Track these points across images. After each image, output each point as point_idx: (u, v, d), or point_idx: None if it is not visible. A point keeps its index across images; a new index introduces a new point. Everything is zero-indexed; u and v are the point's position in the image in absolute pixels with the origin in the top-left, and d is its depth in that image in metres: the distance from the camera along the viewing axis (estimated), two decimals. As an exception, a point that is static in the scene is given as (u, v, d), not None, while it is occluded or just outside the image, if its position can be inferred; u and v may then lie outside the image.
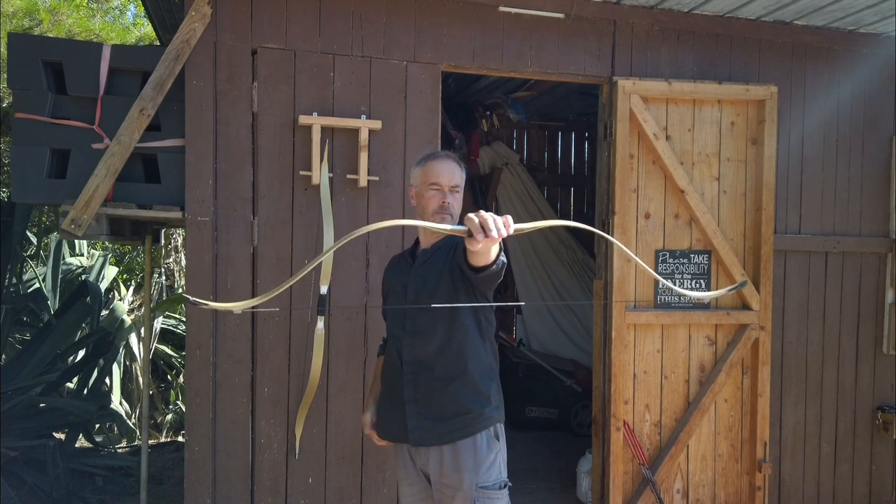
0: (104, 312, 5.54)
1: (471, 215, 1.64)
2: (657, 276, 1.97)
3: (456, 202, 2.20)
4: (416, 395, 2.16)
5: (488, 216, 1.62)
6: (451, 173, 2.19)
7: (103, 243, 6.79)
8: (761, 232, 3.60)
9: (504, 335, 5.94)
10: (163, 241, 5.60)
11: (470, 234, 1.61)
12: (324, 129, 3.11)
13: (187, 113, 3.01)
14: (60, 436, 4.65)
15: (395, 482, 3.21)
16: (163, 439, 5.74)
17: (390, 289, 2.36)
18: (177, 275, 7.58)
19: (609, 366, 3.54)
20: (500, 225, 1.62)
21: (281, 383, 3.13)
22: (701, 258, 3.61)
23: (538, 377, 5.57)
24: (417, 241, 2.34)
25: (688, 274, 3.60)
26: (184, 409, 5.00)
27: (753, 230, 3.64)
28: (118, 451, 5.18)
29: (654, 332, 3.58)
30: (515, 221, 1.66)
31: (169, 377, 6.34)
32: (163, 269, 7.44)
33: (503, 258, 1.95)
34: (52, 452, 3.96)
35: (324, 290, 3.02)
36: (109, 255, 6.65)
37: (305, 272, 1.48)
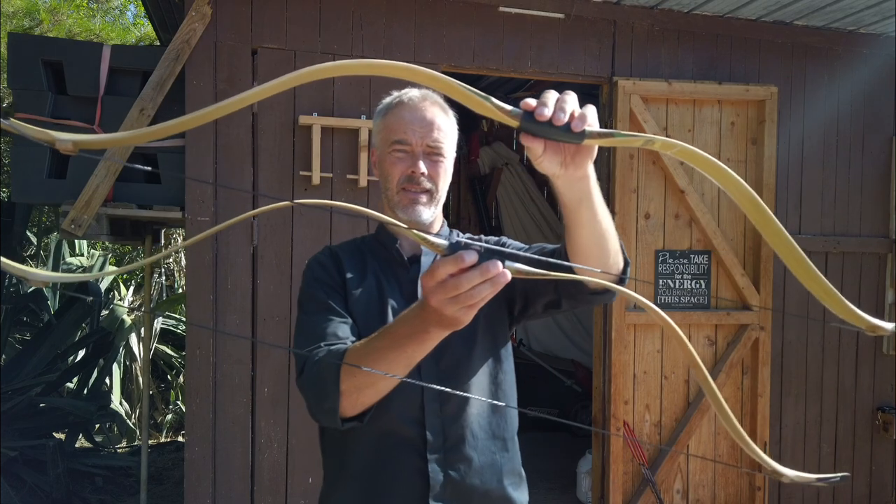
0: (104, 312, 5.54)
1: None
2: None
3: (438, 172, 1.33)
4: None
5: None
6: (427, 123, 1.32)
7: (103, 243, 6.79)
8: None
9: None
10: (163, 241, 5.60)
11: (452, 250, 0.81)
12: (324, 130, 3.11)
13: (187, 113, 3.01)
14: (60, 436, 4.65)
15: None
16: (163, 439, 5.74)
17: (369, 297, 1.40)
18: (177, 275, 7.59)
19: (609, 366, 3.54)
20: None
21: (281, 383, 3.13)
22: (701, 258, 3.61)
23: (538, 377, 5.56)
24: (389, 234, 1.50)
25: (688, 274, 3.60)
26: (184, 409, 5.00)
27: (753, 230, 3.63)
28: (118, 451, 5.18)
29: (654, 333, 3.58)
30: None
31: (169, 377, 6.34)
32: (163, 269, 7.44)
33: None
34: (52, 452, 3.96)
35: None
36: (109, 255, 6.65)
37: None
